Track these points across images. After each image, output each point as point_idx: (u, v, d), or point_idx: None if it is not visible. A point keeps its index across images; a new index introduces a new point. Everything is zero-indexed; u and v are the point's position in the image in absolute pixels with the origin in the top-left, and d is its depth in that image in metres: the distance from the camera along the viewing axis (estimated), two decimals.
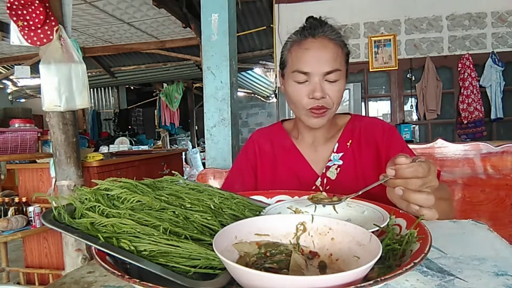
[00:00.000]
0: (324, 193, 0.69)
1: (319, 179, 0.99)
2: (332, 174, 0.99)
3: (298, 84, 0.93)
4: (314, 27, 0.94)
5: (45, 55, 2.21)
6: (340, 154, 1.01)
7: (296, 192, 0.75)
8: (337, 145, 1.02)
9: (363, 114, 4.40)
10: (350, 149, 1.00)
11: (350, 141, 1.01)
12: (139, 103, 9.20)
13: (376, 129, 1.00)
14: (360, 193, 0.65)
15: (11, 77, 6.44)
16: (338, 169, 0.99)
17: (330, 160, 1.00)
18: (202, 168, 7.02)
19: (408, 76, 4.24)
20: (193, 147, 7.90)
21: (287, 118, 1.18)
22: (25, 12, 2.10)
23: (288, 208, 0.64)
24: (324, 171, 1.00)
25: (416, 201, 0.59)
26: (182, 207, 0.55)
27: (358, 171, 0.99)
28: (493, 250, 0.53)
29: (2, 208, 2.38)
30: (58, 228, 0.48)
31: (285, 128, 1.13)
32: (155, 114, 7.96)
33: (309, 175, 1.00)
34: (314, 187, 0.99)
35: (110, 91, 9.09)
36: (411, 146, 1.10)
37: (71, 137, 2.33)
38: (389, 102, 4.40)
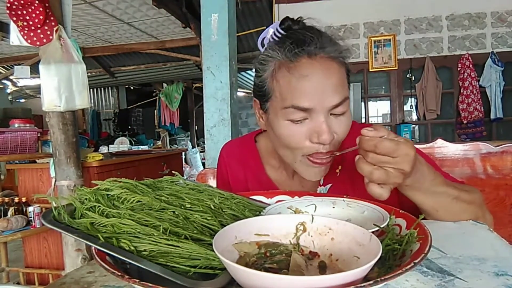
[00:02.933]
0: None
1: None
2: None
3: (294, 124, 0.69)
4: (308, 41, 0.68)
5: (45, 55, 2.21)
6: (328, 186, 0.82)
7: (296, 192, 0.75)
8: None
9: (363, 114, 4.40)
10: (340, 178, 0.80)
11: (339, 167, 0.81)
12: (139, 103, 9.20)
13: None
14: (337, 153, 0.67)
15: (11, 77, 6.44)
16: None
17: None
18: (202, 168, 7.02)
19: (408, 76, 4.25)
20: (193, 147, 7.90)
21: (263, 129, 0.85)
22: (25, 12, 2.10)
23: (288, 208, 0.64)
24: None
25: (361, 170, 0.55)
26: (182, 207, 0.55)
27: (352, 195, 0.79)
28: (493, 250, 0.53)
29: (2, 208, 2.38)
30: (58, 228, 0.48)
31: (260, 149, 0.90)
32: (155, 114, 7.97)
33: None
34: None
35: (110, 91, 9.09)
36: None
37: (71, 137, 2.33)
38: (389, 102, 4.40)
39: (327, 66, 0.67)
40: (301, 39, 0.68)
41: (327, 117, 0.68)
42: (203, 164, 7.22)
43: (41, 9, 2.11)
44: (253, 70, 0.78)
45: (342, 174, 0.80)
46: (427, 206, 0.66)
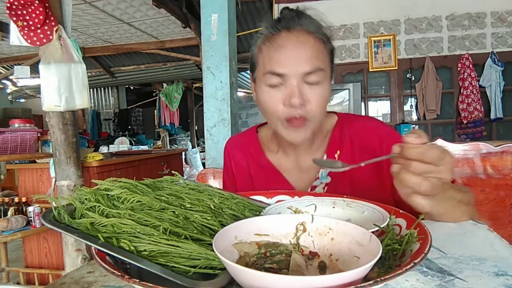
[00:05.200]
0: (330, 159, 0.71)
1: None
2: None
3: (272, 89, 0.77)
4: (288, 17, 0.78)
5: (44, 55, 2.21)
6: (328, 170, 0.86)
7: (296, 192, 0.75)
8: (324, 158, 0.86)
9: (363, 114, 4.40)
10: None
11: (338, 151, 0.86)
12: (139, 103, 9.20)
13: (371, 137, 0.84)
14: (363, 164, 0.59)
15: (11, 77, 6.44)
16: (326, 187, 0.84)
17: (318, 178, 0.85)
18: (202, 168, 7.02)
19: (407, 76, 4.25)
20: (193, 147, 7.90)
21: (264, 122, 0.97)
22: (25, 12, 2.10)
23: (288, 208, 0.64)
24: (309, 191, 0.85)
25: (407, 182, 0.52)
26: (182, 207, 0.55)
27: (350, 187, 0.82)
28: (493, 250, 0.53)
29: (2, 208, 2.38)
30: (58, 228, 0.48)
31: (261, 138, 0.97)
32: (155, 114, 7.96)
33: None
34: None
35: (110, 91, 9.09)
36: None
37: (71, 137, 2.33)
38: (389, 102, 4.40)
39: (302, 39, 0.75)
40: (284, 17, 0.78)
41: (300, 84, 0.75)
42: (203, 164, 7.22)
43: (41, 9, 2.11)
44: None
45: (340, 159, 0.84)
46: (434, 211, 0.65)
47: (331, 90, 0.83)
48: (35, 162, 2.74)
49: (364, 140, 0.85)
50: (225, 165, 1.02)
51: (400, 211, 0.58)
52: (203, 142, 2.86)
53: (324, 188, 0.85)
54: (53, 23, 2.21)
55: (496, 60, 3.97)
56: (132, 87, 9.31)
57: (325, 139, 0.89)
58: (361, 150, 0.84)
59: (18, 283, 2.68)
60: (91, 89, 8.15)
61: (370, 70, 4.25)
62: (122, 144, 6.75)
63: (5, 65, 6.36)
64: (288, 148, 0.89)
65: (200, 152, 7.60)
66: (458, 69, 4.10)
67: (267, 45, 0.78)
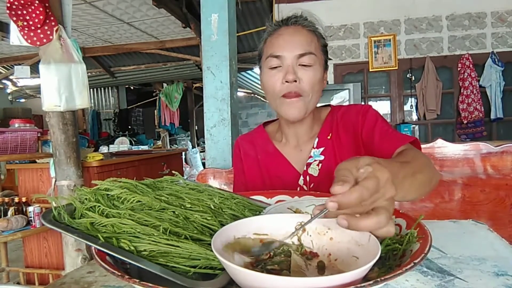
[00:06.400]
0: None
1: (302, 177, 0.97)
2: (314, 171, 0.96)
3: (271, 70, 0.92)
4: (288, 18, 0.96)
5: (45, 55, 2.21)
6: (321, 149, 0.98)
7: (296, 192, 0.75)
8: (317, 140, 0.99)
9: None
10: (331, 142, 0.98)
11: (330, 134, 0.99)
12: (139, 103, 9.20)
13: (352, 114, 0.98)
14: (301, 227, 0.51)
15: (11, 77, 6.44)
16: (320, 164, 0.96)
17: (311, 157, 0.98)
18: (202, 168, 7.01)
19: (408, 76, 4.24)
20: (193, 147, 7.89)
21: (270, 120, 1.16)
22: (25, 12, 2.10)
23: (288, 208, 0.64)
24: (305, 168, 0.97)
25: (365, 228, 0.43)
26: (182, 207, 0.55)
27: (339, 163, 0.84)
28: (493, 250, 0.53)
29: (2, 208, 2.38)
30: (58, 228, 0.48)
31: (268, 131, 1.11)
32: (155, 114, 7.96)
33: (292, 175, 0.98)
34: (298, 188, 0.97)
35: (110, 91, 9.09)
36: None
37: (71, 137, 2.33)
38: (389, 102, 4.40)
39: (297, 30, 0.92)
40: (285, 17, 0.95)
41: (295, 65, 0.90)
42: (203, 164, 7.22)
43: (41, 9, 2.11)
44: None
45: (332, 139, 0.98)
46: (399, 197, 0.57)
47: (326, 81, 0.98)
48: (35, 162, 2.74)
49: (346, 118, 0.99)
50: (234, 155, 1.15)
51: (400, 211, 0.58)
52: (203, 142, 2.85)
53: (318, 165, 0.97)
54: (53, 23, 2.21)
55: (496, 60, 3.97)
56: (132, 87, 9.31)
57: (320, 126, 1.03)
58: (344, 128, 0.98)
59: (18, 283, 2.68)
60: (91, 89, 8.16)
61: (370, 70, 4.25)
62: (122, 144, 6.74)
63: (5, 65, 6.36)
64: (291, 135, 1.02)
65: (200, 152, 7.59)
66: (458, 69, 4.10)
67: (269, 38, 0.95)
